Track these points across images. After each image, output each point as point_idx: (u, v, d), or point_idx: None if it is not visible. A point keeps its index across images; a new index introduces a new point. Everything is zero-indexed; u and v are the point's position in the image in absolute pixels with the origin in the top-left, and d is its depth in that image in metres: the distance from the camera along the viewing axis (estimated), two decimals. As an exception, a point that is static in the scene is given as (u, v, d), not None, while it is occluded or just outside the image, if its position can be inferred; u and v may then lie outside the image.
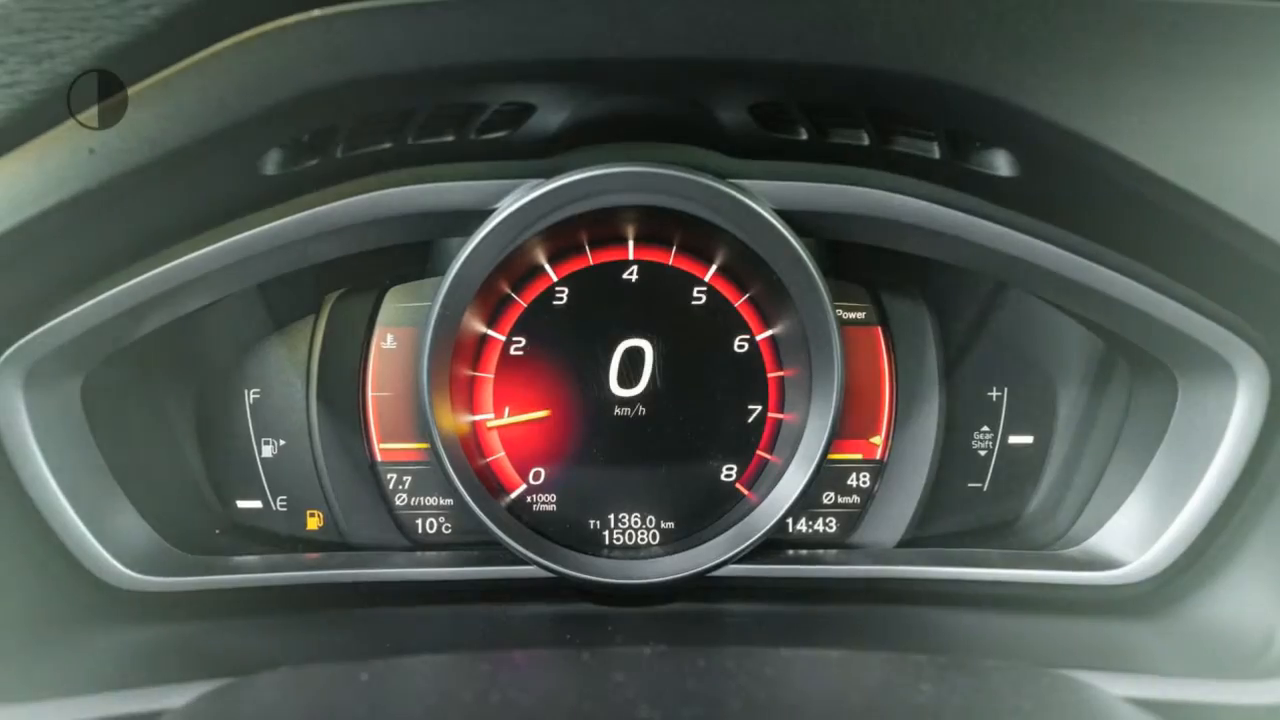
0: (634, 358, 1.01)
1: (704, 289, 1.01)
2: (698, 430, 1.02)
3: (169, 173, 0.77)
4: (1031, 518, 1.13)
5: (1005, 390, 1.13)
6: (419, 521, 1.08)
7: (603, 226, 0.96)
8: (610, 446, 1.02)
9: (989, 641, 0.93)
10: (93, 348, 0.91)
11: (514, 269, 0.98)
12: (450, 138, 0.88)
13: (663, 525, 1.03)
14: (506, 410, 1.02)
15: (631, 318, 1.01)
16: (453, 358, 0.95)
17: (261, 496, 1.11)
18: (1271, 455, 0.91)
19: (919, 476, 1.10)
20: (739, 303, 1.01)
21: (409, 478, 1.08)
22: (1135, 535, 0.99)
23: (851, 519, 1.10)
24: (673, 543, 1.03)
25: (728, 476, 1.03)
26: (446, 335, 0.93)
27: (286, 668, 0.67)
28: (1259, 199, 0.77)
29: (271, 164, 0.84)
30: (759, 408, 1.02)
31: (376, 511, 1.08)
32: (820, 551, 1.08)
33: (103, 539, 0.93)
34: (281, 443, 1.10)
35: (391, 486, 1.08)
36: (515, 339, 1.01)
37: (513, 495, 1.03)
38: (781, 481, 0.97)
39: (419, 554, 1.06)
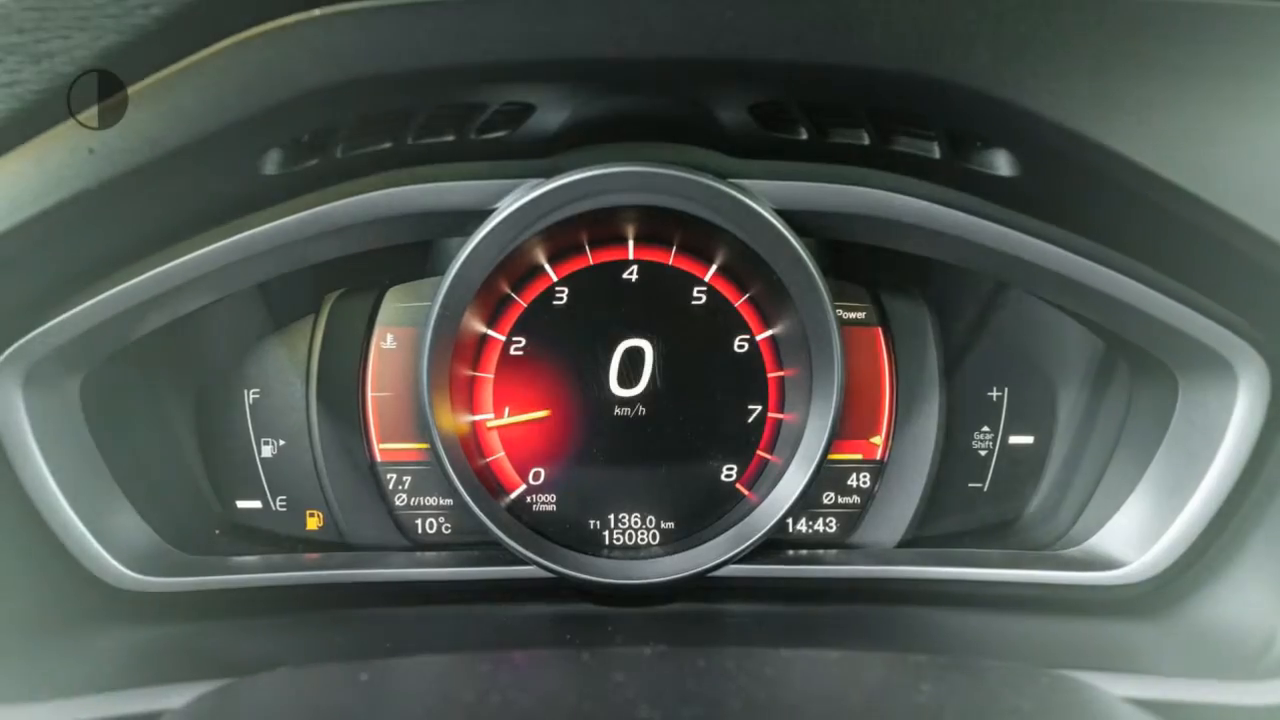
0: (634, 358, 1.01)
1: (704, 289, 1.01)
2: (698, 430, 1.02)
3: (169, 173, 0.77)
4: (1032, 518, 1.13)
5: (1005, 390, 1.13)
6: (419, 522, 1.08)
7: (603, 226, 0.96)
8: (610, 446, 1.02)
9: (989, 641, 0.93)
10: (92, 348, 0.91)
11: (514, 269, 0.98)
12: (450, 138, 0.88)
13: (663, 525, 1.03)
14: (506, 410, 1.02)
15: (631, 318, 1.01)
16: (453, 358, 0.95)
17: (261, 497, 1.11)
18: (1272, 455, 0.91)
19: (919, 477, 1.10)
20: (739, 303, 1.01)
21: (409, 478, 1.08)
22: (1136, 535, 0.99)
23: (852, 519, 1.10)
24: (673, 543, 1.03)
25: (728, 476, 1.03)
26: (446, 335, 0.93)
27: (286, 668, 0.67)
28: (1259, 199, 0.77)
29: (271, 164, 0.84)
30: (759, 408, 1.02)
31: (376, 512, 1.08)
32: (820, 552, 1.08)
33: (102, 539, 0.93)
34: (281, 443, 1.10)
35: (391, 486, 1.08)
36: (515, 339, 1.01)
37: (513, 495, 1.03)
38: (782, 482, 0.97)
39: (419, 554, 1.06)
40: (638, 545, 1.04)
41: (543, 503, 1.03)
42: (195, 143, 0.75)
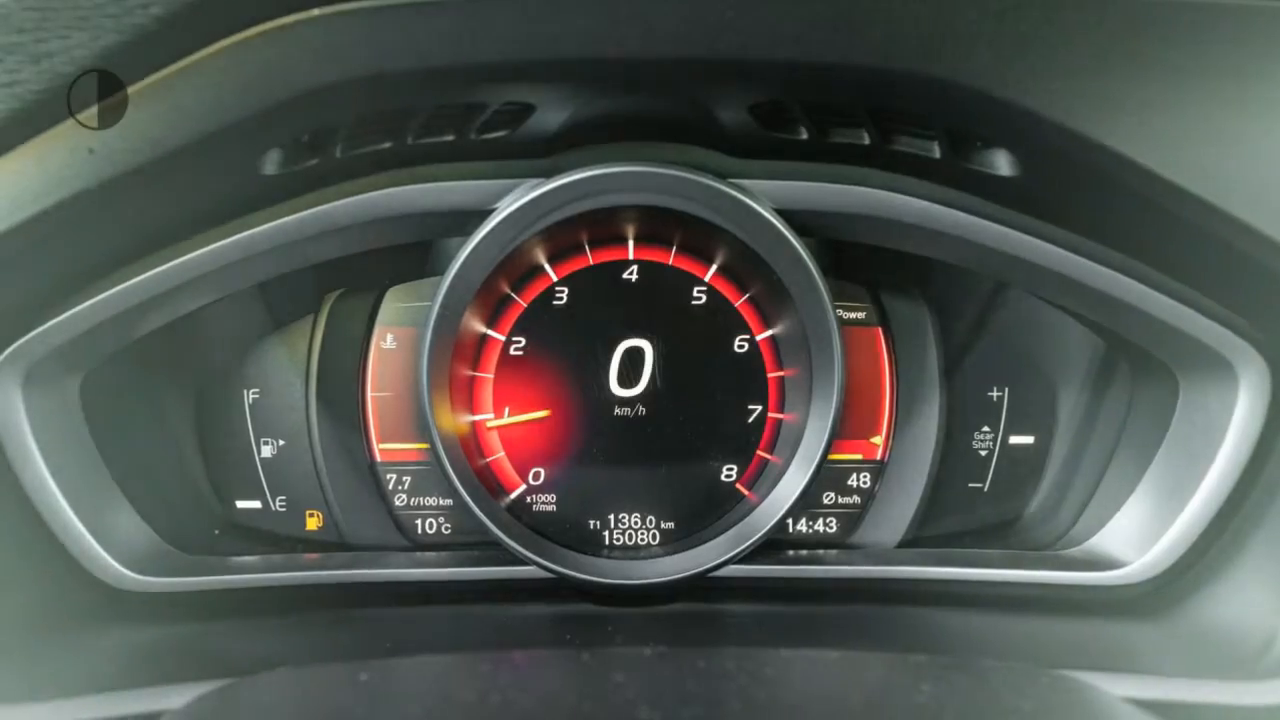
0: (634, 358, 1.01)
1: (704, 289, 1.01)
2: (698, 430, 1.02)
3: (169, 173, 0.77)
4: (1032, 518, 1.13)
5: (1006, 390, 1.13)
6: (418, 522, 1.08)
7: (603, 226, 0.96)
8: (610, 446, 1.02)
9: (989, 642, 0.93)
10: (92, 347, 0.91)
11: (514, 269, 0.98)
12: (450, 138, 0.88)
13: (663, 525, 1.03)
14: (506, 410, 1.02)
15: (631, 318, 1.01)
16: (453, 358, 0.95)
17: (261, 497, 1.11)
18: (1273, 455, 0.91)
19: (919, 477, 1.10)
20: (739, 303, 1.01)
21: (408, 478, 1.08)
22: (1136, 536, 0.99)
23: (852, 519, 1.10)
24: (673, 543, 1.02)
25: (728, 477, 1.03)
26: (446, 335, 0.93)
27: (286, 668, 0.67)
28: (1260, 199, 0.77)
29: (271, 164, 0.84)
30: (759, 408, 1.02)
31: (376, 512, 1.08)
32: (821, 552, 1.08)
33: (102, 539, 0.93)
34: (281, 443, 1.10)
35: (391, 487, 1.08)
36: (515, 339, 1.01)
37: (512, 495, 1.03)
38: (782, 482, 0.97)
39: (418, 554, 1.06)
40: (638, 545, 1.03)
41: (543, 503, 1.03)
42: (195, 143, 0.75)
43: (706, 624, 0.96)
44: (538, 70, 0.78)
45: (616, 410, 1.02)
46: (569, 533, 1.02)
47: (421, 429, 0.97)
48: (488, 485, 0.97)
